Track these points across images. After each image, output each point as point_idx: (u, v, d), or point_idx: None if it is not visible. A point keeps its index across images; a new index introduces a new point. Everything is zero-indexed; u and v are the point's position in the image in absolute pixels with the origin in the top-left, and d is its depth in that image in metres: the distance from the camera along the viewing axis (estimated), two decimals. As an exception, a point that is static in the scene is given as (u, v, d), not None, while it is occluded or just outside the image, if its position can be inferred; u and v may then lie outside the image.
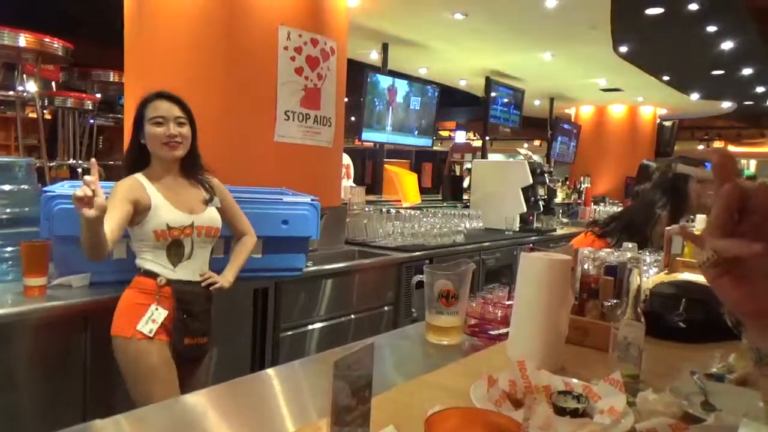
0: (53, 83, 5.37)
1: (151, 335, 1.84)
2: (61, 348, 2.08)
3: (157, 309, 1.87)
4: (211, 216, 2.03)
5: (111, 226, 1.73)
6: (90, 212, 1.53)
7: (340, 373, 0.76)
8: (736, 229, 0.52)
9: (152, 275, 1.91)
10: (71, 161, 4.98)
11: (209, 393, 1.28)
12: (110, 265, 2.09)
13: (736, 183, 0.52)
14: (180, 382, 1.92)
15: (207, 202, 2.03)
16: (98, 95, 5.49)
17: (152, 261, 1.92)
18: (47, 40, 4.15)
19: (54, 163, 4.84)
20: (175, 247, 1.94)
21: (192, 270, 1.98)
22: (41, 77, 4.57)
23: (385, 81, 5.41)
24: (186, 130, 1.97)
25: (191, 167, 2.04)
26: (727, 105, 9.66)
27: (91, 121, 5.36)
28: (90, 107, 5.03)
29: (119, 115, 5.72)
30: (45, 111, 5.07)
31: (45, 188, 2.19)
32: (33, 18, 5.10)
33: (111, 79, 5.53)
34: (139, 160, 1.98)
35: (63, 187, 2.24)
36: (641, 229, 3.04)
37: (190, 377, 1.98)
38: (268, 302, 2.72)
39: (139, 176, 1.94)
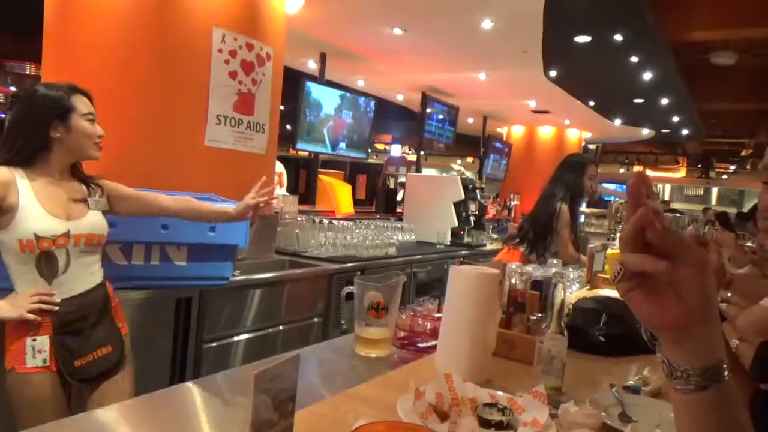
0: (-38, 73, 5.00)
1: (46, 363, 1.65)
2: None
3: (35, 339, 1.65)
4: (92, 222, 1.80)
5: None
6: None
7: (262, 386, 0.73)
8: (647, 245, 0.55)
9: None
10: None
11: (122, 408, 1.21)
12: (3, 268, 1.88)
13: (647, 205, 0.54)
14: (92, 403, 1.75)
15: (88, 205, 1.81)
16: (12, 88, 5.15)
17: (22, 279, 1.68)
18: (-43, 26, 3.87)
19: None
20: (45, 261, 1.68)
21: (72, 284, 1.74)
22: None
23: (322, 91, 5.38)
24: None
25: (79, 168, 1.86)
26: (646, 132, 10.28)
27: (2, 114, 5.01)
28: (2, 100, 4.72)
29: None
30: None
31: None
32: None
33: (27, 72, 5.20)
34: (31, 155, 1.71)
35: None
36: (547, 223, 3.25)
37: (106, 395, 1.78)
38: (191, 312, 2.61)
39: (15, 170, 1.68)
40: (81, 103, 1.77)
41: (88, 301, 1.79)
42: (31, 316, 1.63)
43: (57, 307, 1.69)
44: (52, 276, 1.71)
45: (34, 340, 1.66)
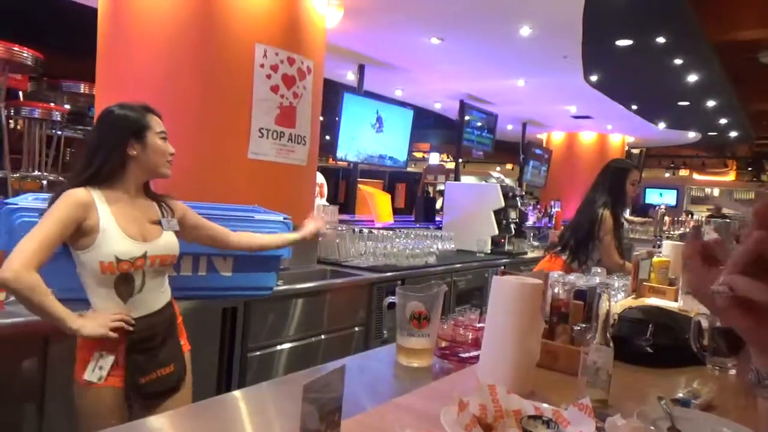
0: (20, 93, 5.25)
1: (101, 381, 1.69)
2: (18, 369, 2.00)
3: (101, 356, 1.69)
4: (167, 242, 1.84)
5: (40, 258, 1.58)
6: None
7: (310, 397, 0.75)
8: (752, 267, 0.53)
9: None
10: (36, 173, 4.86)
11: (172, 416, 1.24)
12: (77, 281, 1.91)
13: None
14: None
15: (162, 226, 1.85)
16: (67, 106, 5.39)
17: (99, 297, 1.74)
18: (16, 48, 4.08)
19: (17, 175, 4.71)
20: (123, 282, 1.73)
21: (146, 303, 1.79)
22: (8, 86, 4.47)
23: (360, 101, 5.44)
24: None
25: (150, 188, 1.92)
26: (692, 135, 9.98)
27: (59, 132, 5.24)
28: (58, 118, 4.93)
29: (88, 127, 5.61)
30: (11, 121, 4.95)
31: (7, 200, 2.12)
32: (2, 26, 5.00)
33: (81, 91, 5.43)
34: (110, 174, 1.76)
35: (26, 200, 2.16)
36: (589, 230, 3.19)
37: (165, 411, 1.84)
38: (236, 322, 2.67)
39: (92, 191, 1.72)
40: (155, 122, 1.83)
41: (159, 320, 1.82)
42: (114, 335, 1.67)
43: (132, 328, 1.73)
44: (128, 296, 1.75)
45: (101, 356, 1.69)
